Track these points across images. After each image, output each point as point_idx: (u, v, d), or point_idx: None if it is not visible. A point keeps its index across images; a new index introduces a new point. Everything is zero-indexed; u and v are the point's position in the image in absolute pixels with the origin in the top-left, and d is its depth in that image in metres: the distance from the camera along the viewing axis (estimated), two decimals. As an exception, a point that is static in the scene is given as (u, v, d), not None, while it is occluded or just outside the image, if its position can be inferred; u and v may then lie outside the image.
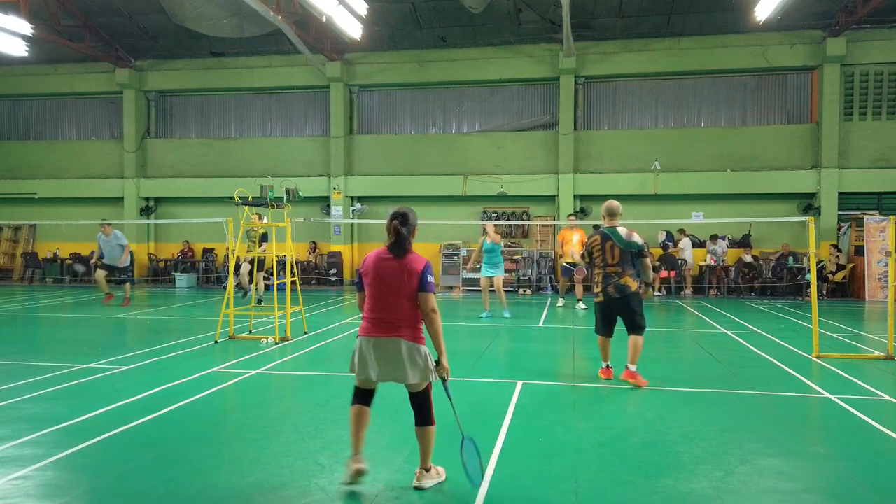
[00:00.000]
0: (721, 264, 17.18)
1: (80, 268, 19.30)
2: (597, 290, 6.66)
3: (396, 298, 3.79)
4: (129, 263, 14.06)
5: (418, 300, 3.80)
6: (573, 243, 13.28)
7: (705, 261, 17.28)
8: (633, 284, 6.47)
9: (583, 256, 6.89)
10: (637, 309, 6.54)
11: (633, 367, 6.39)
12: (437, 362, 3.85)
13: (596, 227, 17.07)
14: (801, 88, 18.12)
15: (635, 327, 6.57)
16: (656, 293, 16.78)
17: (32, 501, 3.69)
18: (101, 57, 19.56)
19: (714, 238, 17.18)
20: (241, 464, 4.28)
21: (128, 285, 13.88)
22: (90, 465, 4.23)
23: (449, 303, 15.05)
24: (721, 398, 6.13)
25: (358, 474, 3.87)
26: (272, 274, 14.41)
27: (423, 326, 3.88)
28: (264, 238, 12.86)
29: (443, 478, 3.99)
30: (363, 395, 4.03)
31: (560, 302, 14.14)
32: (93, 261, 15.20)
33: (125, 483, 3.95)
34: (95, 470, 4.15)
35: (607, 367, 6.83)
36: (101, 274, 13.54)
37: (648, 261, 6.69)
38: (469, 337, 10.28)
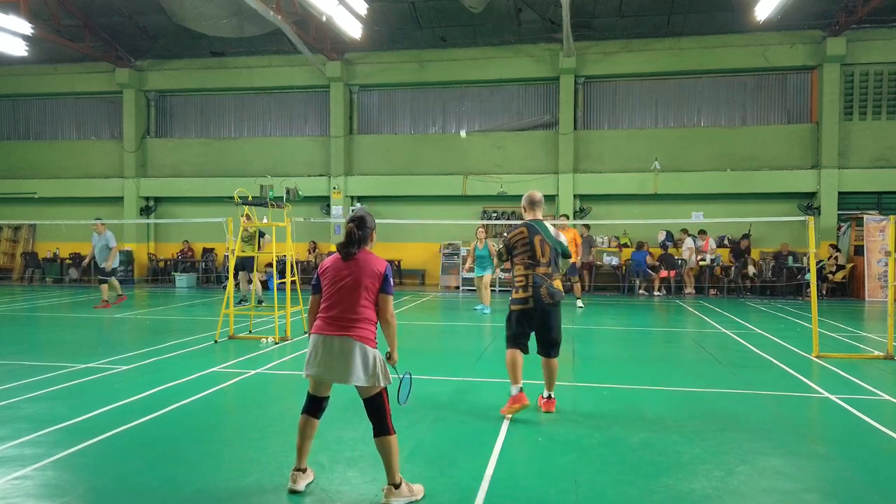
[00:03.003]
0: (718, 263, 17.22)
1: (73, 273, 18.82)
2: (522, 294, 5.34)
3: (354, 298, 3.67)
4: (116, 265, 13.75)
5: (378, 302, 3.71)
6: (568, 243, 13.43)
7: (704, 260, 17.29)
8: (562, 290, 5.52)
9: (499, 254, 5.62)
10: (559, 321, 5.52)
11: (552, 394, 5.63)
12: (388, 355, 3.78)
13: (586, 226, 17.08)
14: (801, 88, 18.13)
15: (553, 346, 5.52)
16: (656, 293, 16.79)
17: (32, 501, 3.69)
18: (101, 57, 19.57)
19: (701, 234, 17.41)
20: (241, 464, 4.29)
21: (105, 286, 13.36)
22: (90, 465, 4.23)
23: (450, 302, 15.05)
24: (721, 398, 6.13)
25: (293, 492, 3.75)
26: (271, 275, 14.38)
27: (375, 329, 3.75)
28: (257, 236, 12.80)
29: (417, 496, 3.68)
30: (313, 405, 3.90)
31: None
32: (84, 262, 15.16)
33: (125, 483, 3.95)
34: (95, 470, 4.15)
35: (520, 391, 5.34)
36: (114, 284, 13.51)
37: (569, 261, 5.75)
38: (469, 337, 10.28)
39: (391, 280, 3.73)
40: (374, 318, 3.74)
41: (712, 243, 17.41)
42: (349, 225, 3.73)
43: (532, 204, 5.56)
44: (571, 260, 13.48)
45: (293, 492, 3.76)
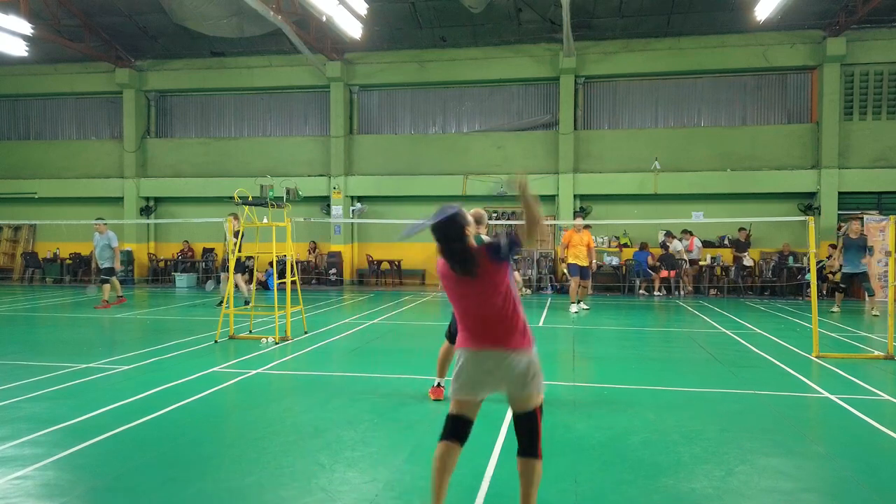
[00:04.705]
0: (718, 263, 17.23)
1: (91, 290, 17.94)
2: None
3: (486, 304, 3.10)
4: (110, 264, 13.58)
5: (507, 273, 3.09)
6: (581, 245, 12.84)
7: (705, 260, 17.32)
8: None
9: None
10: None
11: None
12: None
13: (587, 226, 17.01)
14: (801, 88, 18.13)
15: None
16: (656, 293, 16.80)
17: (32, 501, 3.69)
18: (101, 57, 19.57)
19: (686, 234, 17.38)
20: (241, 464, 4.28)
21: (107, 287, 13.27)
22: (90, 465, 4.23)
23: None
24: (721, 398, 6.13)
25: None
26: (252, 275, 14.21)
27: (525, 326, 3.17)
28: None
29: None
30: (458, 427, 3.22)
31: (574, 308, 12.84)
32: (94, 265, 15.11)
33: (125, 483, 3.95)
34: (95, 470, 4.15)
35: (439, 385, 5.90)
36: (114, 284, 13.40)
37: (517, 275, 6.04)
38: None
39: (500, 245, 3.06)
40: (517, 313, 3.14)
41: (697, 242, 17.44)
42: (441, 245, 3.12)
43: (475, 221, 6.07)
44: (583, 264, 12.95)
45: None
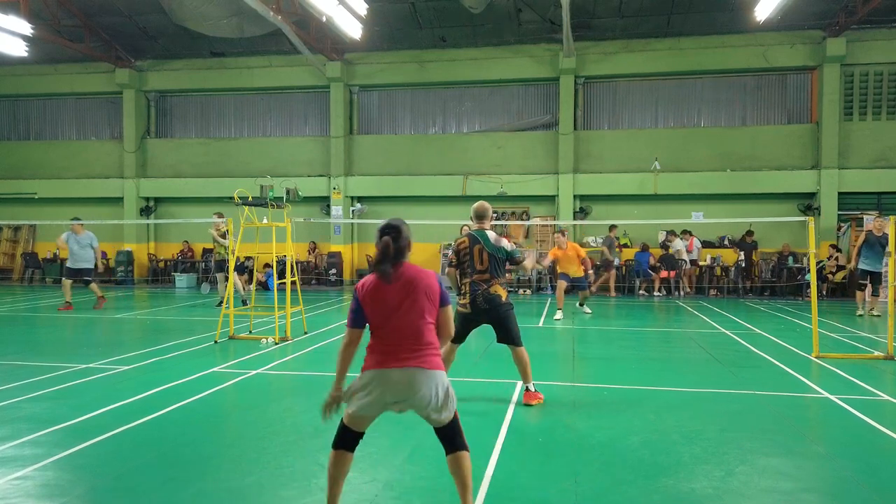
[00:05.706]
0: (718, 263, 17.21)
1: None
2: (463, 300, 5.92)
3: (417, 324, 3.18)
4: (93, 266, 13.36)
5: (439, 318, 3.29)
6: (569, 260, 12.32)
7: (705, 261, 17.33)
8: (504, 294, 5.89)
9: (450, 262, 6.10)
10: (509, 319, 5.90)
11: (531, 387, 5.86)
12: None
13: (612, 226, 16.67)
14: (801, 88, 18.13)
15: (511, 339, 5.90)
16: (656, 293, 16.80)
17: (32, 501, 3.69)
18: (101, 57, 19.57)
19: (685, 234, 17.35)
20: (241, 464, 4.28)
21: (94, 285, 13.13)
22: (90, 465, 4.23)
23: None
24: (721, 398, 6.13)
25: None
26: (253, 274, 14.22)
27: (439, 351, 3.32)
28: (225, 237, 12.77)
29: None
30: (350, 438, 3.31)
31: (558, 315, 12.05)
32: (60, 241, 14.12)
33: (125, 483, 3.95)
34: (95, 470, 4.15)
35: None
36: (68, 283, 13.14)
37: (527, 263, 6.11)
38: (469, 337, 10.26)
39: (445, 289, 3.34)
40: (437, 341, 3.29)
41: (697, 243, 17.44)
42: (385, 239, 3.15)
43: (478, 216, 6.11)
44: (576, 275, 12.33)
45: None
